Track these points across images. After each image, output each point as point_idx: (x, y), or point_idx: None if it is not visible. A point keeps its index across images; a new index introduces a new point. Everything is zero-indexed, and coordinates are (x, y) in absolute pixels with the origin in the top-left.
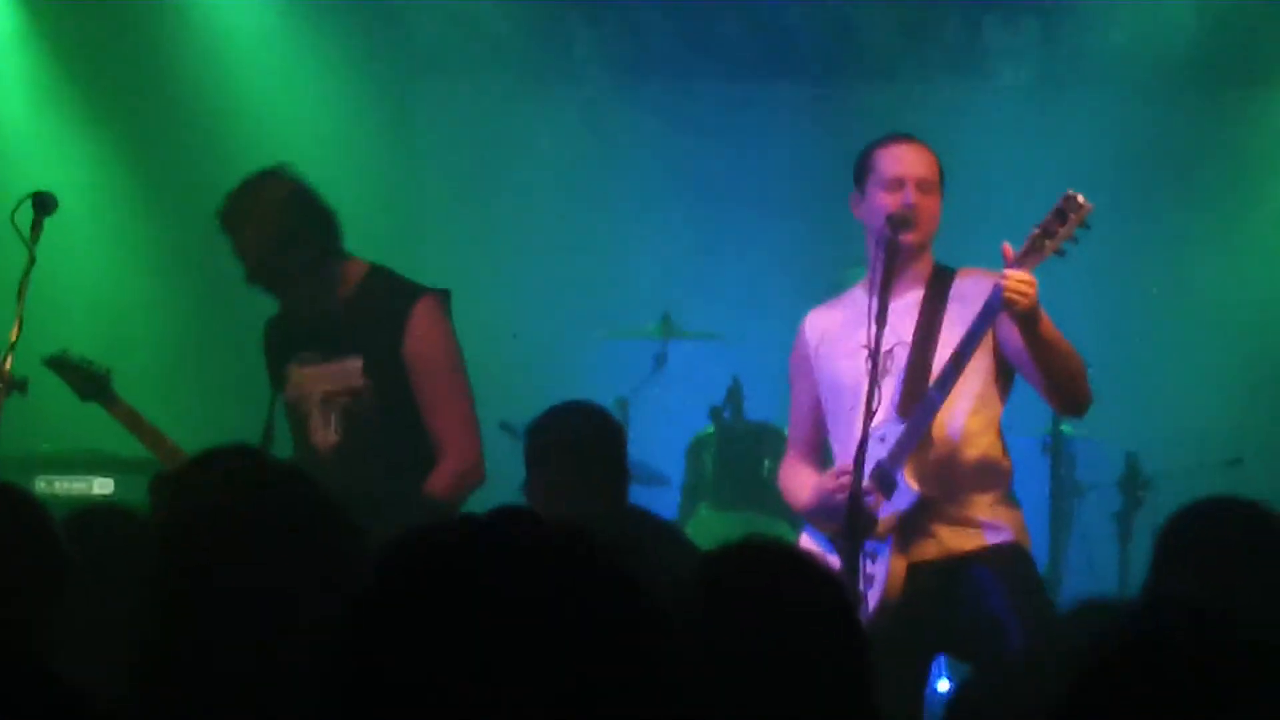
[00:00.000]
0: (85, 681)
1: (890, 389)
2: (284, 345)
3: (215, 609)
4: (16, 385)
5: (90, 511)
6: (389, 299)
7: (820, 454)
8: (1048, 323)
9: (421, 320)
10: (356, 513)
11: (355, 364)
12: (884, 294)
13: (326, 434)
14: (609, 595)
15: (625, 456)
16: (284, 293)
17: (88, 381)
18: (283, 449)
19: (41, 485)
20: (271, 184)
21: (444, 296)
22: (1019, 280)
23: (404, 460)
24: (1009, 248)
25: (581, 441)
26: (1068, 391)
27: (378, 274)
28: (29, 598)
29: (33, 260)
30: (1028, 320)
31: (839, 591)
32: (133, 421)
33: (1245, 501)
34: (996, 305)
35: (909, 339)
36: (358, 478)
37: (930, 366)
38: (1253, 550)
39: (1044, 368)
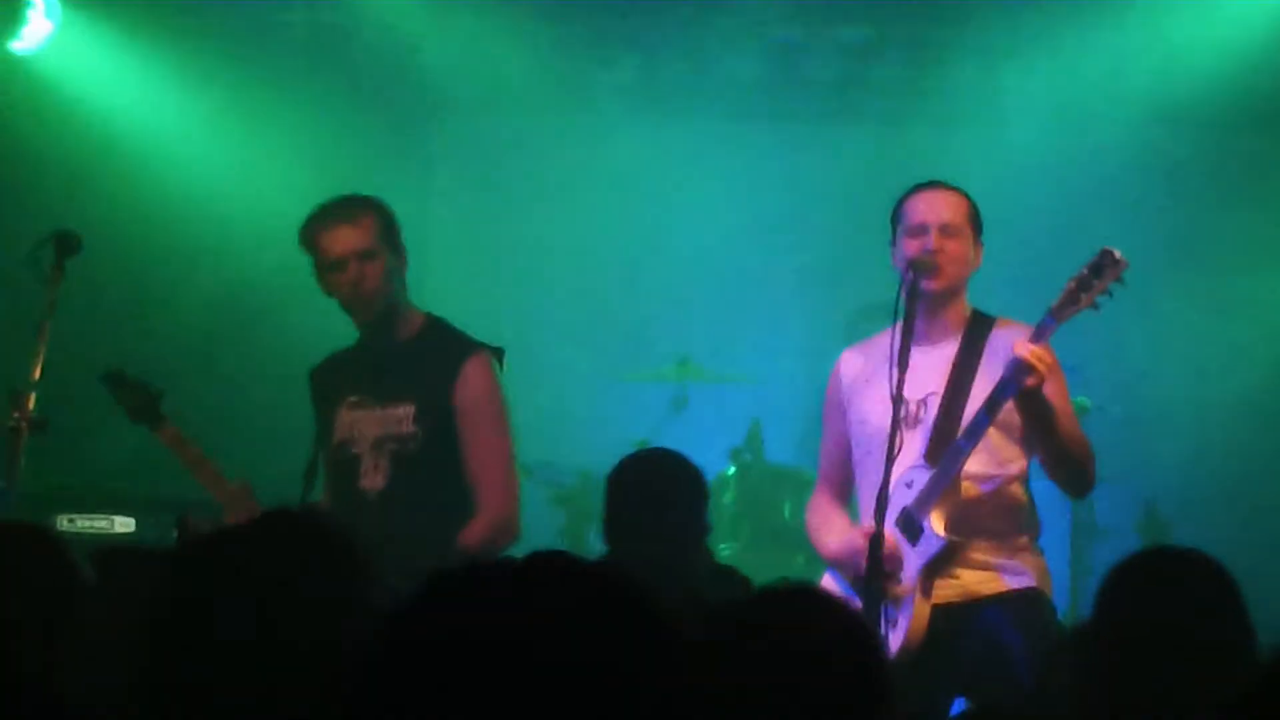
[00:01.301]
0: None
1: (920, 437)
2: (336, 386)
3: (216, 647)
4: (38, 425)
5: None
6: (445, 350)
7: (847, 494)
8: (1060, 404)
9: (474, 374)
10: (398, 555)
11: (408, 410)
12: (905, 339)
13: (375, 478)
14: (638, 642)
15: (702, 503)
16: (357, 309)
17: (141, 400)
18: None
19: (63, 524)
20: (350, 202)
21: (498, 353)
22: (1034, 355)
23: (448, 508)
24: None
25: (663, 486)
26: (1072, 473)
27: (436, 325)
28: (44, 630)
29: (54, 302)
30: (1035, 401)
31: (866, 636)
32: (179, 445)
33: (1182, 550)
34: (1014, 370)
35: (941, 388)
36: (402, 522)
37: (961, 418)
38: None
39: (1050, 446)
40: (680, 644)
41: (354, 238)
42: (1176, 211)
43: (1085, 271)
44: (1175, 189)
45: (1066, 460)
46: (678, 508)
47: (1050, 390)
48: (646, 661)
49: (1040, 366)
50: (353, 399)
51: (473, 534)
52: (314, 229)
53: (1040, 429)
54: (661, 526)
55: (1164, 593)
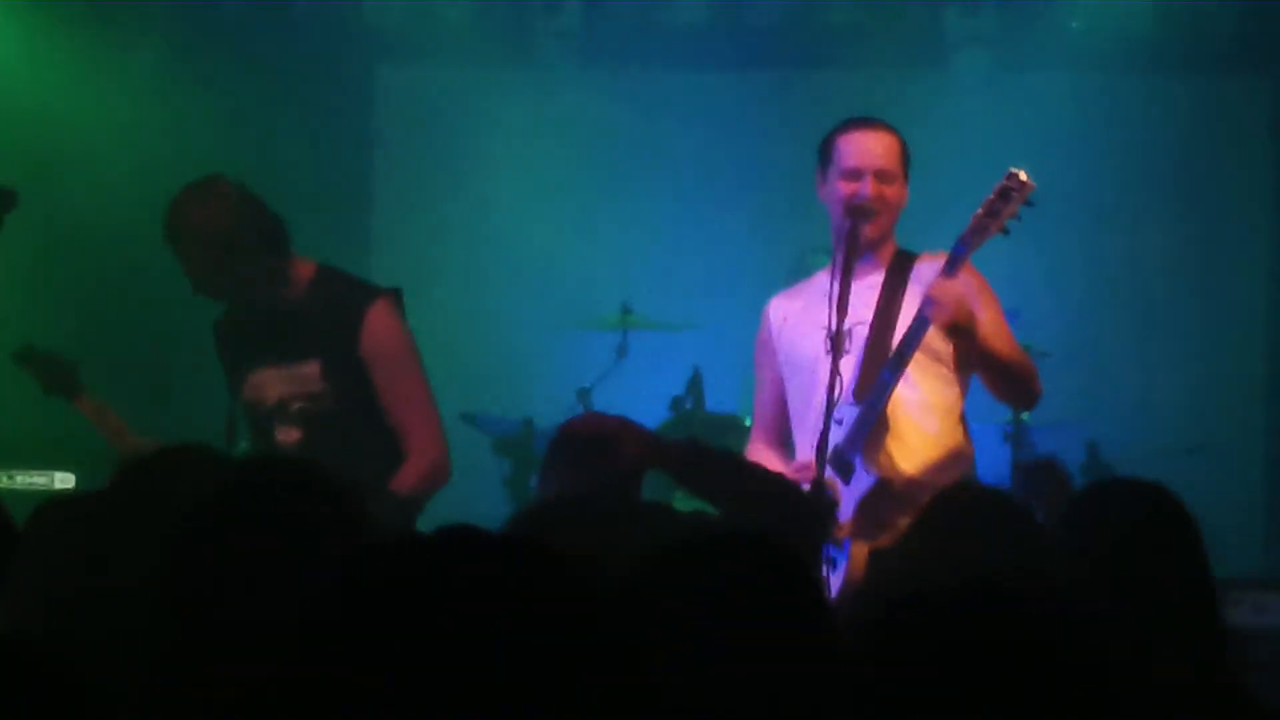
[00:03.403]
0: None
1: (849, 370)
2: (237, 349)
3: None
4: None
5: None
6: (342, 301)
7: (784, 437)
8: (986, 326)
9: (377, 321)
10: None
11: (313, 368)
12: (845, 282)
13: (290, 433)
14: (561, 617)
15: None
16: (231, 301)
17: (56, 375)
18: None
19: (3, 480)
20: (210, 194)
21: (397, 295)
22: (937, 290)
23: (367, 460)
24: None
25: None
26: (1011, 390)
27: (327, 274)
28: None
29: None
30: (958, 332)
31: (805, 574)
32: (100, 416)
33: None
34: (926, 310)
35: (868, 320)
36: None
37: (889, 348)
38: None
39: (981, 370)
40: (600, 614)
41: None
42: (1122, 151)
43: (993, 196)
44: (1120, 129)
45: (1006, 377)
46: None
47: (981, 314)
48: (575, 637)
49: (945, 299)
50: (257, 358)
51: (405, 479)
52: None
53: (970, 355)
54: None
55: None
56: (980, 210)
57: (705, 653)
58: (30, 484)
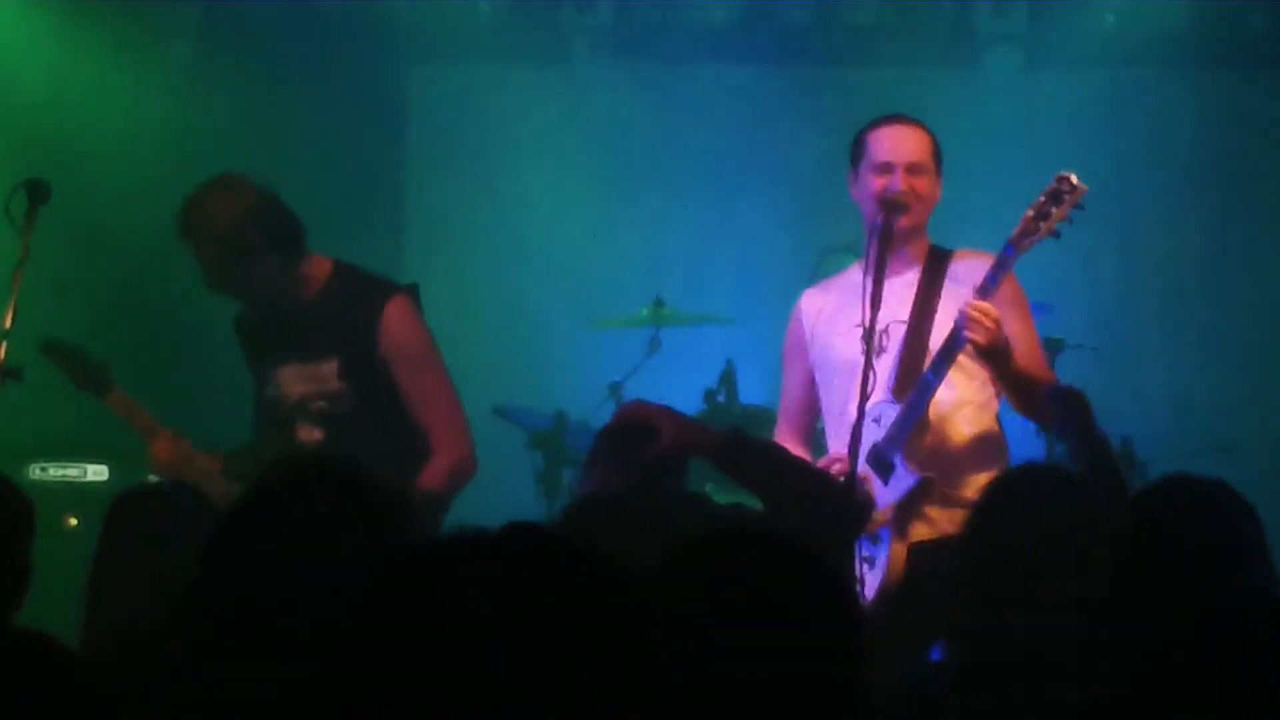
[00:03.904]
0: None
1: (885, 369)
2: (258, 346)
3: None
4: (10, 373)
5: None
6: (359, 299)
7: (810, 434)
8: (1018, 345)
9: (395, 319)
10: None
11: (331, 367)
12: (878, 278)
13: (311, 432)
14: (615, 619)
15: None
16: (245, 299)
17: (85, 370)
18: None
19: (35, 473)
20: (226, 192)
21: (414, 292)
22: (977, 311)
23: (388, 458)
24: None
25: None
26: (1036, 411)
27: (344, 272)
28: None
29: (27, 250)
30: (990, 355)
31: (841, 581)
32: (129, 411)
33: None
34: (961, 329)
35: (904, 318)
36: None
37: (926, 346)
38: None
39: (1011, 391)
40: (647, 616)
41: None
42: (1154, 147)
43: (1043, 199)
44: (1152, 126)
45: (1031, 398)
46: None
47: (1012, 330)
48: (626, 641)
49: (984, 321)
50: (277, 355)
51: (432, 475)
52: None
53: (998, 375)
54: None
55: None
56: (1029, 212)
57: (726, 653)
58: (63, 476)
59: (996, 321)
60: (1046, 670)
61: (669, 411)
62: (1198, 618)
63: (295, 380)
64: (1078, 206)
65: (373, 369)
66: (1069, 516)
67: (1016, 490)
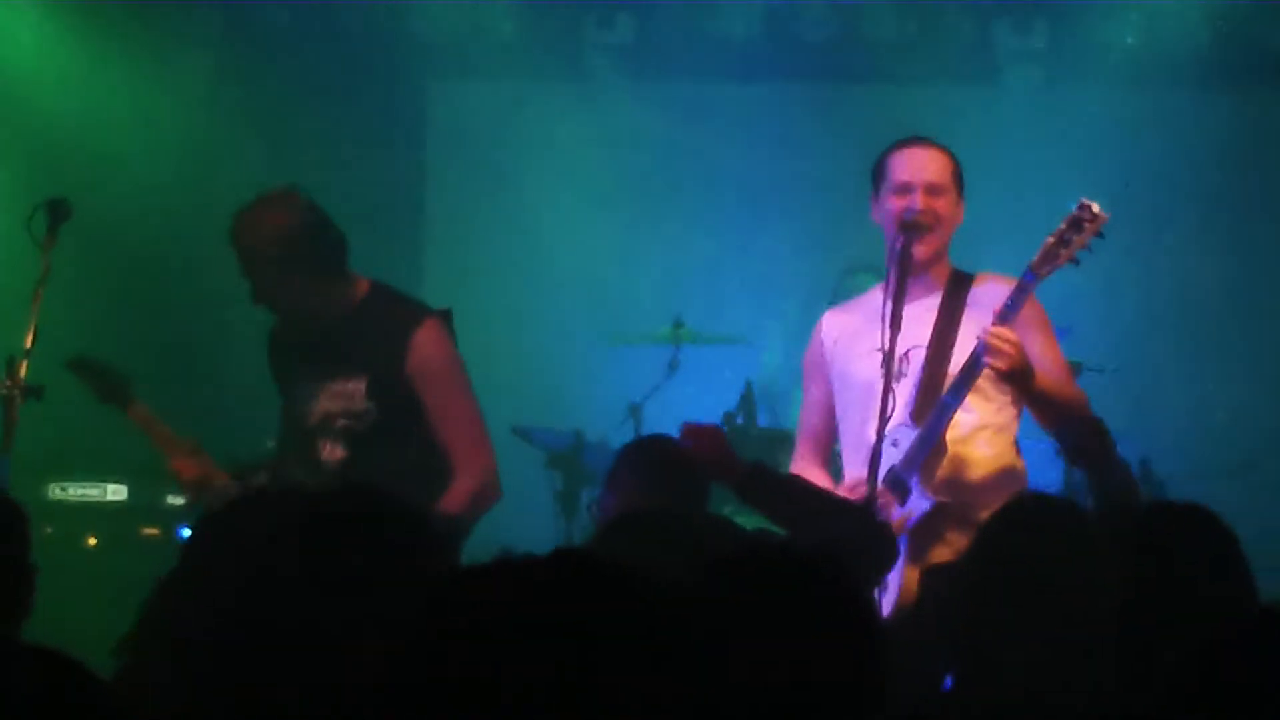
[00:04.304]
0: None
1: (905, 394)
2: (288, 362)
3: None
4: (32, 392)
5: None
6: (391, 320)
7: (829, 454)
8: (1041, 365)
9: (425, 342)
10: None
11: (359, 386)
12: (897, 301)
13: (334, 450)
14: (661, 642)
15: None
16: (286, 313)
17: (108, 385)
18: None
19: (56, 492)
20: (278, 206)
21: (446, 316)
22: (997, 338)
23: (410, 479)
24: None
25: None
26: (1065, 437)
27: (379, 292)
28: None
29: (48, 269)
30: (1013, 379)
31: (860, 601)
32: (151, 426)
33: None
34: (981, 358)
35: (925, 343)
36: None
37: (946, 372)
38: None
39: (1037, 410)
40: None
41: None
42: (1173, 167)
43: (1064, 226)
44: (1172, 146)
45: (1058, 416)
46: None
47: (1034, 351)
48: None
49: (1005, 348)
50: (305, 371)
51: (454, 498)
52: None
53: (1024, 398)
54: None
55: (1167, 549)
56: (1051, 239)
57: (753, 662)
58: (83, 496)
59: (1017, 346)
60: (1048, 700)
61: (718, 436)
62: (1198, 644)
63: (322, 397)
64: (1098, 235)
65: (399, 390)
66: (1070, 546)
67: (1017, 518)
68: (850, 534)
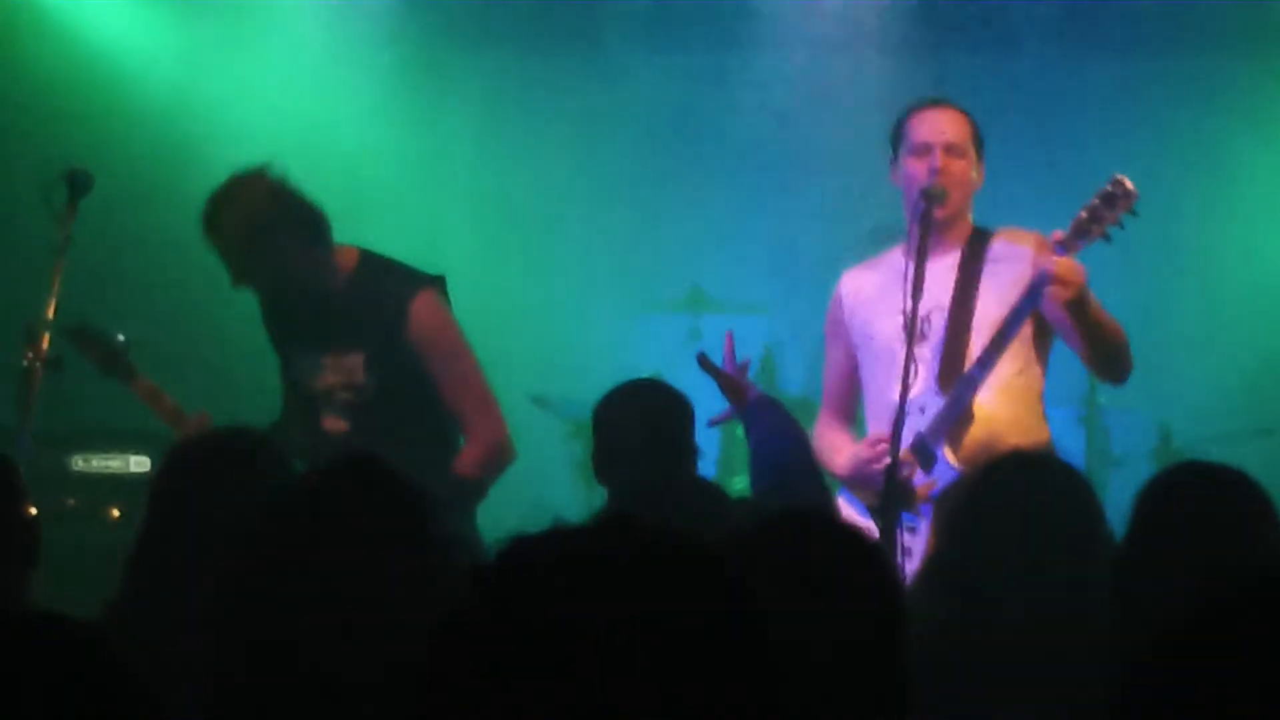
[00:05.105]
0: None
1: (928, 356)
2: (285, 334)
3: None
4: (52, 364)
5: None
6: (386, 292)
7: (853, 415)
8: (1095, 304)
9: (423, 312)
10: None
11: (356, 359)
12: (919, 266)
13: (337, 422)
14: (721, 613)
15: (690, 430)
16: (272, 290)
17: (106, 354)
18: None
19: (78, 463)
20: (246, 186)
21: (441, 284)
22: (1067, 269)
23: (414, 447)
24: (1059, 235)
25: (644, 413)
26: (1110, 363)
27: (370, 262)
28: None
29: (68, 240)
30: (1074, 306)
31: (881, 562)
32: (153, 397)
33: (1223, 466)
34: (1041, 286)
35: (946, 302)
36: None
37: (969, 331)
38: (1231, 516)
39: (1088, 344)
40: (757, 610)
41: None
42: (1193, 136)
43: (1096, 201)
44: (1191, 115)
45: (1108, 349)
46: (668, 433)
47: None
48: (733, 634)
49: (1074, 278)
50: (303, 345)
51: (467, 461)
52: None
53: (1087, 329)
54: (654, 453)
55: (1204, 506)
56: (1082, 214)
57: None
58: (105, 467)
59: (1083, 274)
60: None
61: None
62: (1197, 603)
63: (322, 371)
64: (1131, 212)
65: (399, 361)
66: (1061, 501)
67: (1001, 474)
68: (808, 499)
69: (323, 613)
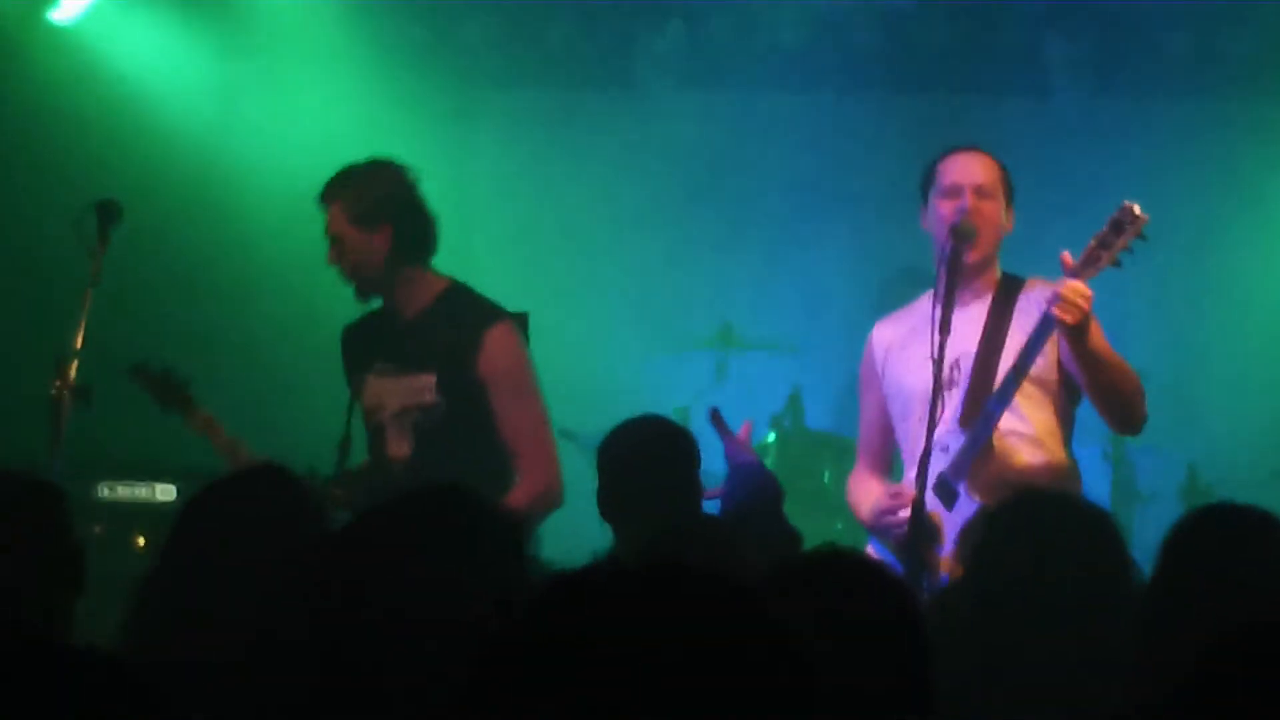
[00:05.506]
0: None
1: (955, 400)
2: (360, 354)
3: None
4: (80, 393)
5: None
6: (465, 319)
7: (888, 464)
8: (1098, 339)
9: (497, 343)
10: None
11: (429, 380)
12: (946, 307)
13: (401, 446)
14: (765, 655)
15: (696, 468)
16: (357, 282)
17: (168, 391)
18: (358, 456)
19: (104, 492)
20: (373, 167)
21: (521, 320)
22: (1072, 290)
23: (475, 476)
24: (1068, 256)
25: (651, 452)
26: (1118, 408)
27: (456, 291)
28: (49, 589)
29: (99, 271)
30: (1074, 334)
31: (907, 601)
32: (211, 431)
33: (1251, 508)
34: (1052, 313)
35: (973, 349)
36: None
37: (994, 378)
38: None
39: (1091, 377)
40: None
41: (331, 219)
42: (1220, 175)
43: (1106, 229)
44: (1216, 154)
45: (1117, 392)
46: (669, 472)
47: (1092, 327)
48: (777, 676)
49: (1079, 301)
50: (377, 365)
51: (518, 499)
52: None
53: (1088, 362)
54: (660, 494)
55: (1231, 549)
56: (1092, 242)
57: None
58: (132, 496)
59: (1089, 300)
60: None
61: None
62: (1223, 647)
63: (392, 391)
64: (1140, 236)
65: (468, 389)
66: (1079, 540)
67: (1018, 513)
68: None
69: (405, 642)
